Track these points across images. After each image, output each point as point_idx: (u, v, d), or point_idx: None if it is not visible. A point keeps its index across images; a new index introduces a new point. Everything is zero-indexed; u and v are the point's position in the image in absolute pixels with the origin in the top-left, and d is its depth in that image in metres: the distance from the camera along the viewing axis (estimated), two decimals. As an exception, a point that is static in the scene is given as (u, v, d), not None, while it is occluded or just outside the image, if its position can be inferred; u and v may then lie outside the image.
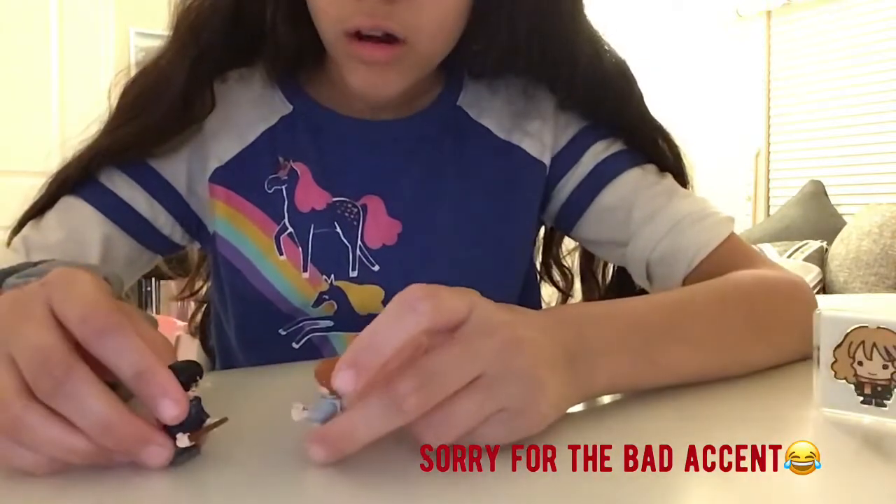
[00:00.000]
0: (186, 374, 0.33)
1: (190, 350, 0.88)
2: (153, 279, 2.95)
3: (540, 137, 0.69)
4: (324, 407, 0.35)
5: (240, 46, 0.64)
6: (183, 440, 0.33)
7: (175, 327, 2.50)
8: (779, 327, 0.53)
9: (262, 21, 0.61)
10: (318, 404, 0.35)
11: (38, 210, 0.62)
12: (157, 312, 3.12)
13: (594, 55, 0.65)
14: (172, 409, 0.31)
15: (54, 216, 0.61)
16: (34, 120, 3.15)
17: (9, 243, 0.60)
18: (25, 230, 0.61)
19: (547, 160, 0.69)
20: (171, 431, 0.33)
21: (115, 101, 0.63)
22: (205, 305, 0.86)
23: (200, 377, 0.34)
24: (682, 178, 0.70)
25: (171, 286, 3.11)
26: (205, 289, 0.86)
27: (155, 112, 0.60)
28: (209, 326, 0.84)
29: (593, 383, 0.41)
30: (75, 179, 0.61)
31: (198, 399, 0.34)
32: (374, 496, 0.32)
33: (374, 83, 0.58)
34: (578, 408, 0.43)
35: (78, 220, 0.61)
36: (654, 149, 0.69)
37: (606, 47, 0.67)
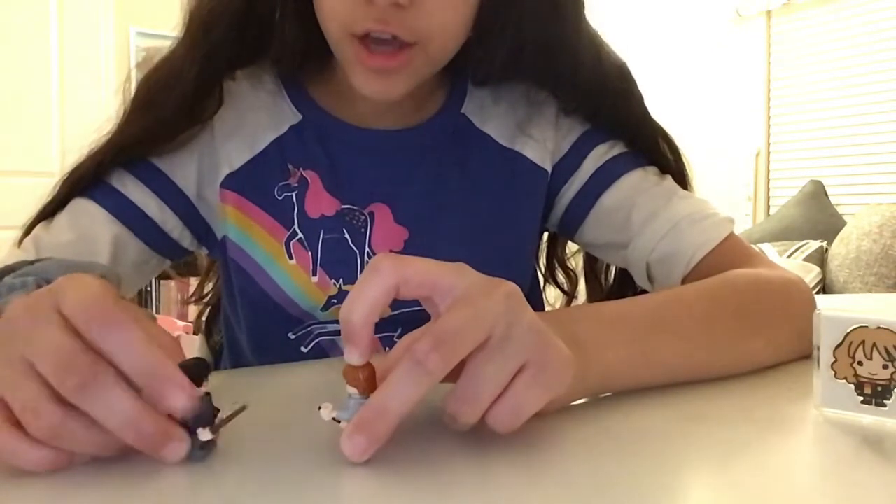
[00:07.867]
0: (196, 370, 0.33)
1: (191, 348, 0.89)
2: (153, 279, 2.95)
3: (541, 144, 0.69)
4: (352, 406, 0.35)
5: (249, 44, 0.64)
6: (205, 434, 0.33)
7: (175, 327, 2.51)
8: (772, 322, 0.53)
9: (272, 19, 0.62)
10: (347, 403, 0.35)
11: (50, 211, 0.62)
12: (158, 312, 3.12)
13: (596, 58, 0.66)
14: (183, 399, 0.32)
15: (65, 217, 0.61)
16: (34, 120, 3.15)
17: (20, 244, 0.60)
18: (37, 230, 0.61)
19: (548, 166, 0.70)
20: (191, 428, 0.33)
21: (128, 98, 0.63)
22: (209, 306, 0.86)
23: (209, 373, 0.34)
24: (682, 179, 0.70)
25: (171, 286, 3.12)
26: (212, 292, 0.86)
27: (165, 107, 0.61)
28: (213, 324, 0.84)
29: (587, 375, 0.41)
30: (87, 181, 0.62)
31: (208, 395, 0.34)
32: (378, 494, 0.32)
33: (380, 88, 0.59)
34: (577, 407, 0.43)
35: (88, 221, 0.61)
36: (654, 150, 0.69)
37: (607, 50, 0.67)
